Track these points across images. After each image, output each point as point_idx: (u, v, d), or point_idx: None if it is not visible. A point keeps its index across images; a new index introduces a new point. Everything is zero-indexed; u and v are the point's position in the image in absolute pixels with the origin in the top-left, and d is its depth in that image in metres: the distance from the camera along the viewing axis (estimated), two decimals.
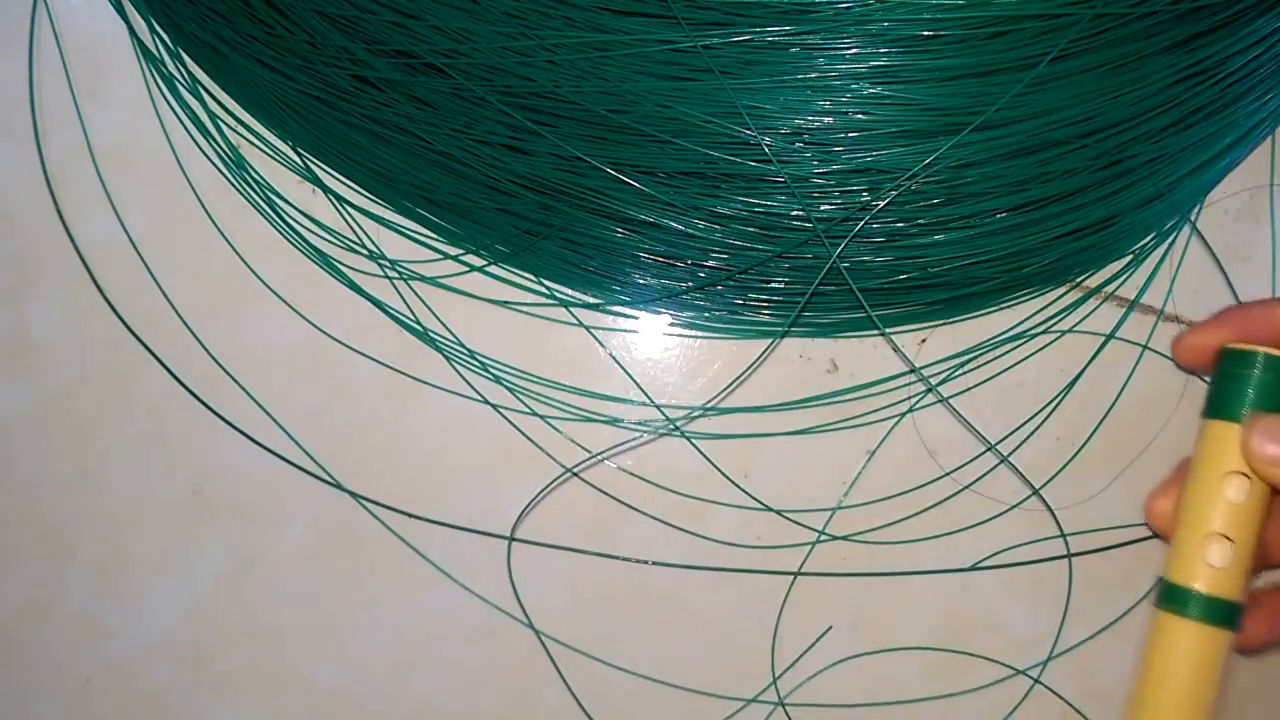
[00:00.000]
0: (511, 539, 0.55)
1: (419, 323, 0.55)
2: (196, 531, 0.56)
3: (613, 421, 0.55)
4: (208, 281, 0.55)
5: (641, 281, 0.54)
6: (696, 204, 0.50)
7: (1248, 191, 0.55)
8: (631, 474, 0.55)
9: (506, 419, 0.55)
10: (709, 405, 0.55)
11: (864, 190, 0.49)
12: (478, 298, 0.55)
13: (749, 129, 0.48)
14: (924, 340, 0.55)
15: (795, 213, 0.50)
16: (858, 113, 0.48)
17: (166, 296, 0.55)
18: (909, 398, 0.55)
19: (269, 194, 0.55)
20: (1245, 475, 0.42)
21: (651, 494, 0.55)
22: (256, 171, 0.55)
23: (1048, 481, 0.55)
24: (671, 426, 0.55)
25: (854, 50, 0.47)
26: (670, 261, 0.53)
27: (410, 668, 0.56)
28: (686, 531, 0.55)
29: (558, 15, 0.48)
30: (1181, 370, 0.55)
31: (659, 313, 0.55)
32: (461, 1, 0.49)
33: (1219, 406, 0.44)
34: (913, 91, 0.48)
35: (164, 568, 0.56)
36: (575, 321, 0.55)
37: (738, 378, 0.55)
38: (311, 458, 0.55)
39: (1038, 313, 0.55)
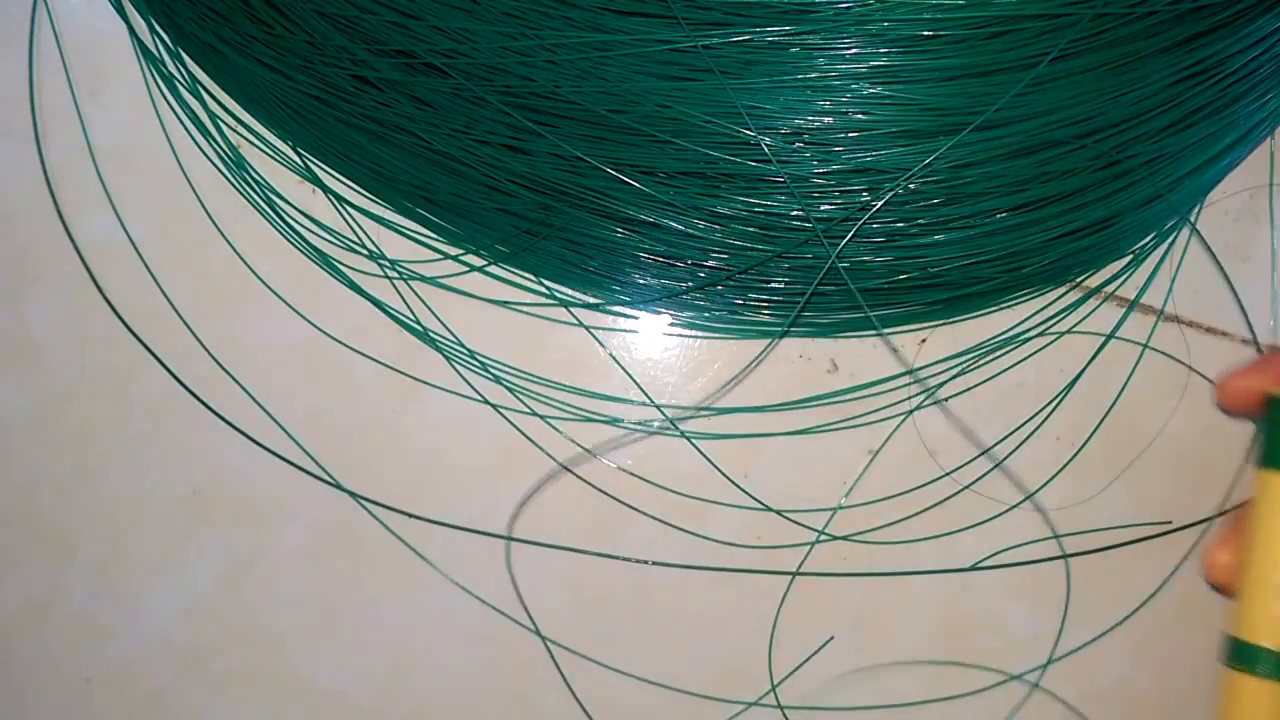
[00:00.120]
0: (509, 539, 0.55)
1: (419, 323, 0.55)
2: (196, 531, 0.56)
3: (613, 421, 0.55)
4: (208, 281, 0.55)
5: (641, 281, 0.54)
6: (696, 204, 0.50)
7: (1248, 191, 0.55)
8: (631, 474, 0.55)
9: (506, 419, 0.55)
10: (708, 405, 0.55)
11: (864, 190, 0.49)
12: (478, 298, 0.55)
13: (749, 129, 0.48)
14: (924, 340, 0.55)
15: (795, 213, 0.49)
16: (858, 113, 0.48)
17: (166, 296, 0.55)
18: (909, 398, 0.55)
19: (269, 194, 0.55)
20: None
21: (651, 494, 0.55)
22: (256, 171, 0.55)
23: (1043, 485, 0.55)
24: (671, 426, 0.55)
25: (854, 50, 0.47)
26: (670, 261, 0.53)
27: (410, 668, 0.56)
28: (686, 531, 0.55)
29: (558, 15, 0.48)
30: (1225, 414, 0.54)
31: (659, 313, 0.55)
32: (461, 1, 0.49)
33: (1276, 457, 0.42)
34: (913, 91, 0.48)
35: (164, 568, 0.56)
36: (575, 321, 0.55)
37: (735, 377, 0.55)
38: (312, 457, 0.55)
39: (1038, 313, 0.55)
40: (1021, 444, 0.55)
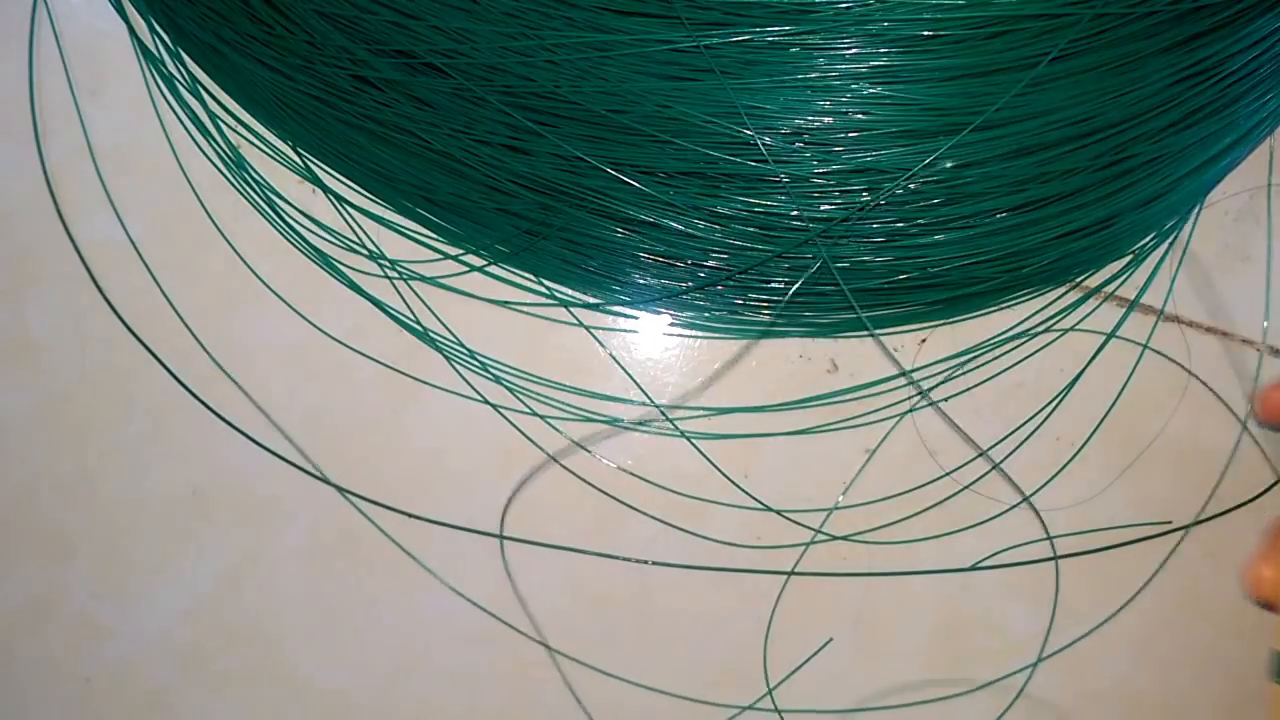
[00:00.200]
0: (504, 538, 0.55)
1: (419, 323, 0.55)
2: (196, 531, 0.56)
3: (613, 421, 0.55)
4: (208, 281, 0.55)
5: (641, 281, 0.54)
6: (696, 204, 0.50)
7: (1248, 192, 0.55)
8: (631, 474, 0.55)
9: (506, 419, 0.55)
10: (707, 404, 0.55)
11: (863, 190, 0.49)
12: (478, 298, 0.55)
13: (748, 129, 0.48)
14: (924, 340, 0.55)
15: (793, 213, 0.49)
16: (858, 113, 0.48)
17: (166, 297, 0.55)
18: (909, 398, 0.55)
19: (269, 194, 0.55)
20: None
21: (651, 494, 0.55)
22: (256, 171, 0.55)
23: (1043, 485, 0.55)
24: (671, 426, 0.55)
25: (854, 50, 0.47)
26: (670, 261, 0.53)
27: (410, 668, 0.56)
28: (686, 531, 0.55)
29: (558, 15, 0.48)
30: (1266, 428, 0.54)
31: (659, 313, 0.55)
32: (461, 1, 0.49)
33: None
34: (913, 91, 0.48)
35: (164, 568, 0.56)
36: (575, 321, 0.55)
37: (715, 372, 0.55)
38: (306, 456, 0.55)
39: (1038, 313, 0.55)
40: (1021, 444, 0.55)
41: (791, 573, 0.55)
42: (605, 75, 0.48)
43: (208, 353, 0.55)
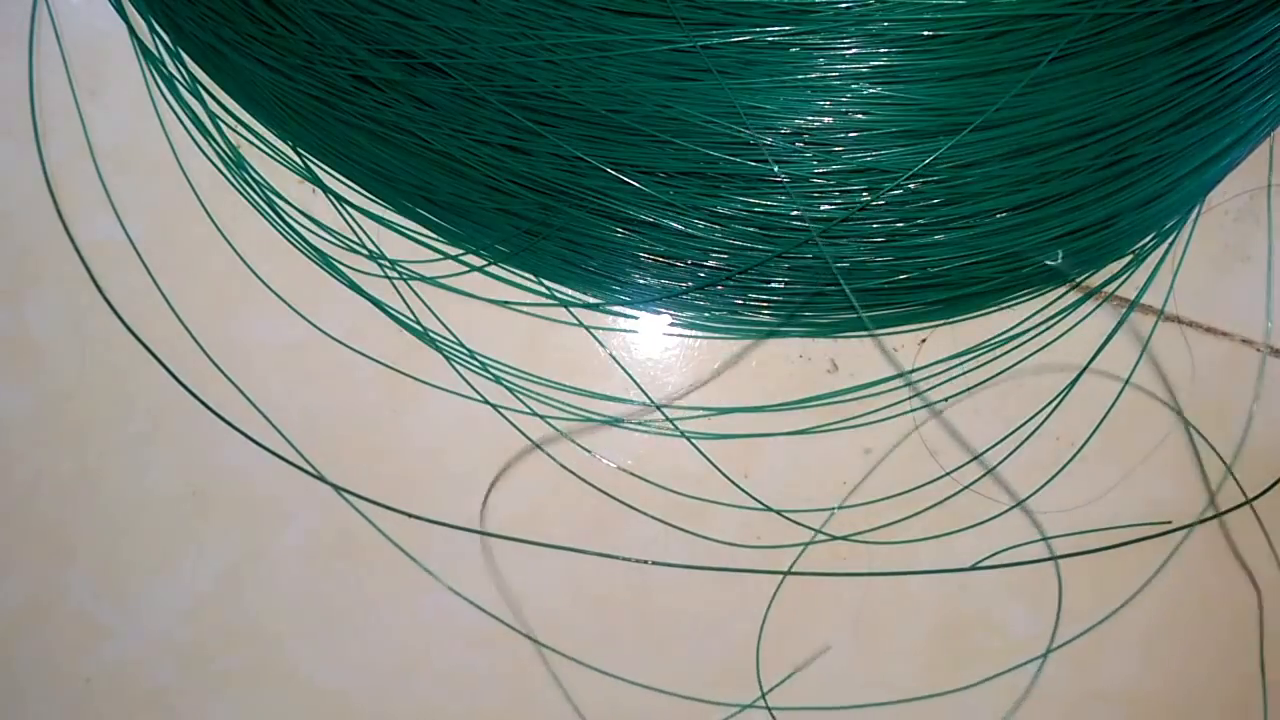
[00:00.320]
0: (484, 533, 0.55)
1: (419, 323, 0.55)
2: (196, 531, 0.56)
3: (613, 421, 0.55)
4: (208, 281, 0.55)
5: (641, 281, 0.54)
6: (696, 204, 0.50)
7: (1248, 192, 0.55)
8: (631, 474, 0.55)
9: (506, 419, 0.55)
10: (706, 404, 0.55)
11: (864, 190, 0.49)
12: (478, 298, 0.55)
13: (747, 129, 0.48)
14: (924, 340, 0.55)
15: (793, 213, 0.49)
16: (858, 113, 0.48)
17: (166, 297, 0.55)
18: (909, 398, 0.55)
19: (269, 194, 0.55)
20: None
21: (651, 494, 0.55)
22: (256, 171, 0.55)
23: (1043, 486, 0.55)
24: (671, 426, 0.55)
25: (854, 50, 0.47)
26: (670, 261, 0.53)
27: (410, 668, 0.56)
28: (686, 531, 0.55)
29: (558, 15, 0.48)
30: None
31: (659, 313, 0.55)
32: (461, 1, 0.49)
33: None
34: (913, 91, 0.47)
35: (164, 568, 0.56)
36: (575, 321, 0.55)
37: (714, 373, 0.55)
38: (303, 455, 0.55)
39: (1038, 313, 0.55)
40: (1021, 444, 0.55)
41: (788, 572, 0.55)
42: (605, 75, 0.48)
43: (206, 353, 0.55)
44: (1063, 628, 0.56)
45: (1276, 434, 0.56)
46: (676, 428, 0.55)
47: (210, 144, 0.55)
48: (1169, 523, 0.55)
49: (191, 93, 0.55)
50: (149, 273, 0.55)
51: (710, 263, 0.52)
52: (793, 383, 0.55)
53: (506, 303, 0.55)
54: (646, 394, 0.55)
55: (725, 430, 0.55)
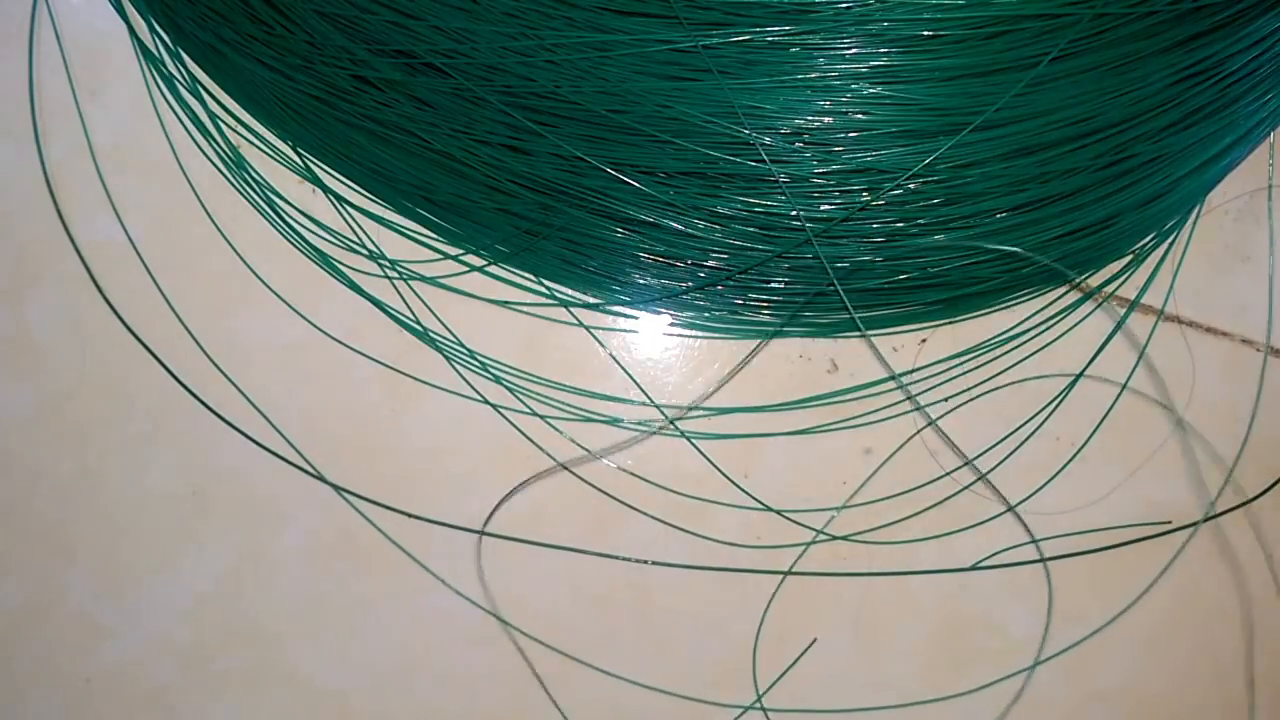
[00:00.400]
0: (484, 533, 0.55)
1: (419, 323, 0.55)
2: (196, 531, 0.56)
3: (613, 421, 0.55)
4: (208, 281, 0.55)
5: (641, 281, 0.54)
6: (696, 204, 0.50)
7: (1248, 193, 0.55)
8: (631, 474, 0.55)
9: (506, 419, 0.55)
10: (708, 405, 0.55)
11: (863, 190, 0.49)
12: (478, 298, 0.55)
13: (746, 129, 0.48)
14: (924, 340, 0.55)
15: (793, 213, 0.49)
16: (858, 113, 0.48)
17: (166, 297, 0.55)
18: (909, 398, 0.55)
19: (269, 194, 0.55)
20: None
21: (651, 494, 0.55)
22: (256, 171, 0.55)
23: (1042, 486, 0.55)
24: (671, 426, 0.55)
25: (854, 50, 0.47)
26: (670, 261, 0.53)
27: (410, 669, 0.56)
28: (686, 531, 0.55)
29: (558, 15, 0.48)
30: None
31: (659, 313, 0.55)
32: (461, 1, 0.49)
33: None
34: (913, 91, 0.47)
35: (164, 568, 0.56)
36: (575, 321, 0.55)
37: (714, 373, 0.55)
38: (301, 455, 0.55)
39: (1038, 313, 0.55)
40: (1021, 444, 0.55)
41: (788, 572, 0.55)
42: (605, 75, 0.48)
43: (206, 354, 0.55)
44: (1063, 629, 0.56)
45: (1276, 434, 0.56)
46: (676, 428, 0.55)
47: (210, 144, 0.55)
48: (1169, 523, 0.55)
49: (191, 93, 0.55)
50: (149, 273, 0.55)
51: (710, 263, 0.52)
52: (793, 383, 0.55)
53: (506, 303, 0.55)
54: (646, 394, 0.55)
55: (725, 430, 0.55)
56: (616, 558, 0.55)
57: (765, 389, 0.55)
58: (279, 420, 0.55)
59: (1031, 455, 0.55)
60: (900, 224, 0.50)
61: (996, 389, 0.55)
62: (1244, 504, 0.54)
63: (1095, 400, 0.55)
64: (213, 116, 0.55)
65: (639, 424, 0.55)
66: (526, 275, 0.55)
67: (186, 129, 0.55)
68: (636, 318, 0.55)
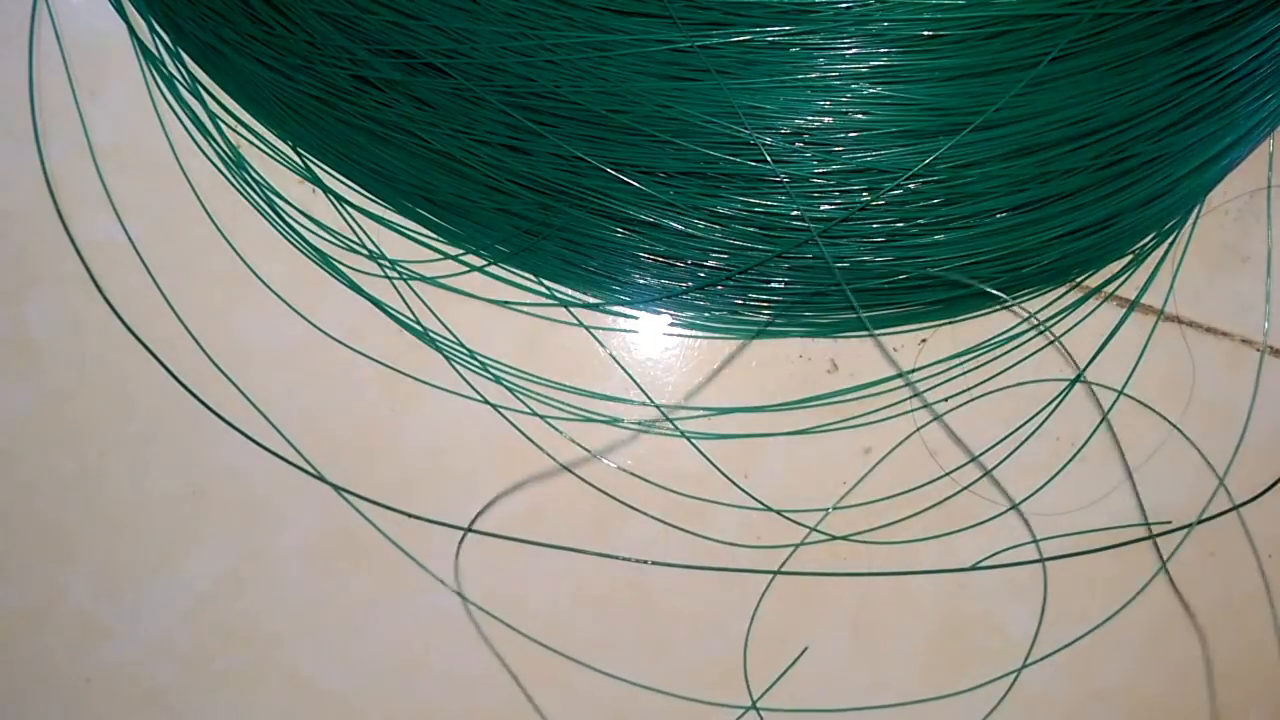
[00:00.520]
0: (468, 529, 0.55)
1: (419, 323, 0.55)
2: (196, 531, 0.56)
3: (612, 421, 0.55)
4: (208, 281, 0.55)
5: (641, 281, 0.54)
6: (696, 204, 0.50)
7: (1248, 193, 0.55)
8: (631, 474, 0.55)
9: (506, 419, 0.55)
10: (707, 404, 0.55)
11: (864, 190, 0.49)
12: (478, 298, 0.55)
13: (746, 129, 0.48)
14: (924, 340, 0.55)
15: (793, 213, 0.49)
16: (858, 113, 0.48)
17: (166, 297, 0.55)
18: (909, 398, 0.55)
19: (269, 194, 0.55)
20: None
21: (651, 494, 0.55)
22: (256, 171, 0.55)
23: (1042, 486, 0.55)
24: (672, 426, 0.55)
25: (854, 50, 0.47)
26: (670, 261, 0.53)
27: (409, 668, 0.56)
28: (686, 531, 0.55)
29: (558, 15, 0.48)
30: None
31: (659, 313, 0.55)
32: (461, 1, 0.49)
33: None
34: (913, 91, 0.47)
35: (164, 568, 0.56)
36: (575, 321, 0.55)
37: (714, 373, 0.55)
38: (301, 454, 0.55)
39: (1038, 313, 0.55)
40: (1021, 444, 0.55)
41: (777, 572, 0.55)
42: (605, 75, 0.48)
43: (206, 354, 0.55)
44: (1063, 629, 0.56)
45: (1276, 434, 0.56)
46: (676, 428, 0.55)
47: (210, 144, 0.55)
48: (1169, 523, 0.55)
49: (191, 93, 0.55)
50: (149, 273, 0.55)
51: (710, 263, 0.52)
52: (793, 383, 0.55)
53: (506, 303, 0.55)
54: (646, 394, 0.55)
55: (725, 430, 0.55)
56: (616, 558, 0.55)
57: (765, 389, 0.55)
58: (279, 420, 0.55)
59: (1031, 455, 0.55)
60: (900, 224, 0.50)
61: (998, 390, 0.55)
62: (1244, 504, 0.54)
63: (1094, 401, 0.55)
64: (213, 116, 0.55)
65: (639, 424, 0.55)
66: (526, 275, 0.55)
67: (186, 129, 0.55)
68: (636, 318, 0.55)
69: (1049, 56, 0.46)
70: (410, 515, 0.55)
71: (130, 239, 0.55)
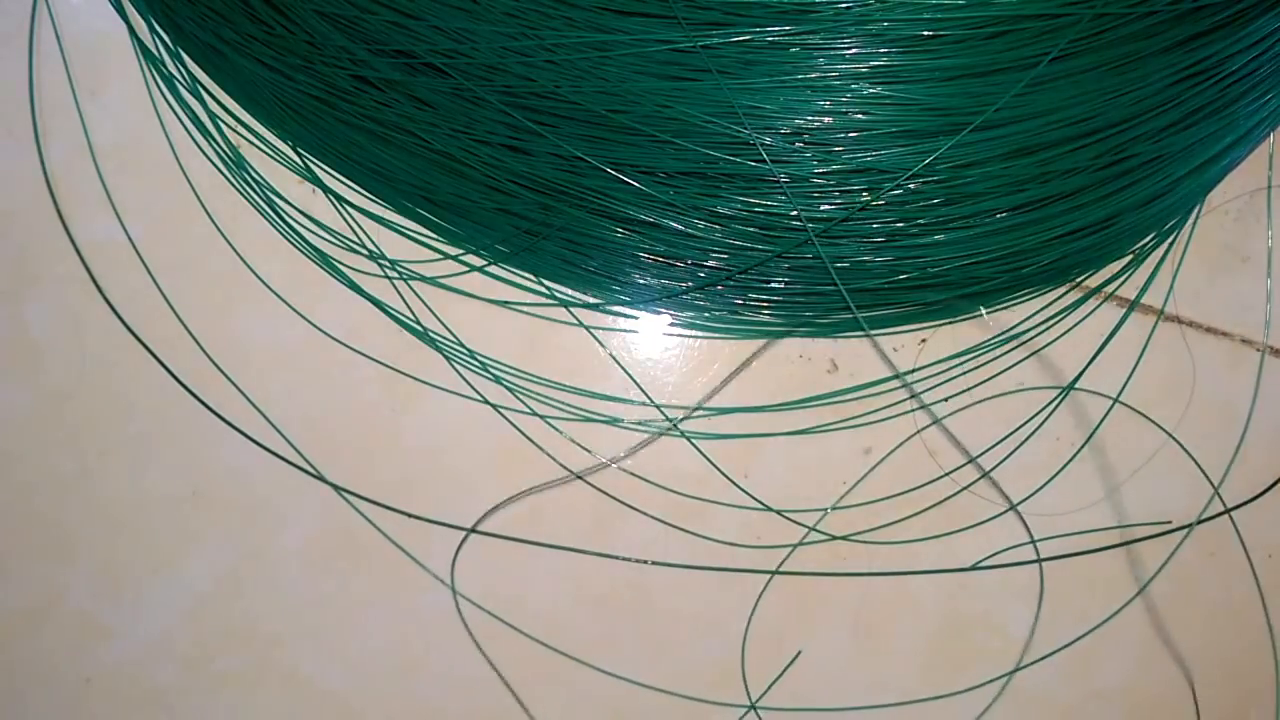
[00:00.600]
0: (484, 533, 0.55)
1: (419, 323, 0.55)
2: (196, 531, 0.56)
3: (613, 421, 0.55)
4: (208, 281, 0.55)
5: (641, 281, 0.54)
6: (696, 204, 0.50)
7: (1248, 193, 0.55)
8: (631, 474, 0.55)
9: (506, 419, 0.55)
10: (708, 405, 0.55)
11: (863, 190, 0.49)
12: (478, 298, 0.55)
13: (746, 129, 0.48)
14: (924, 340, 0.55)
15: (793, 213, 0.49)
16: (858, 113, 0.48)
17: (166, 297, 0.55)
18: (909, 398, 0.55)
19: (269, 194, 0.55)
20: None
21: (651, 494, 0.55)
22: (256, 171, 0.55)
23: (1042, 486, 0.55)
24: (671, 426, 0.55)
25: (854, 50, 0.47)
26: (670, 261, 0.53)
27: (410, 668, 0.56)
28: (686, 531, 0.55)
29: (558, 15, 0.48)
30: None
31: (659, 313, 0.55)
32: (461, 1, 0.49)
33: None
34: (913, 91, 0.47)
35: (164, 568, 0.56)
36: (575, 321, 0.55)
37: (714, 373, 0.55)
38: (300, 454, 0.55)
39: (1038, 313, 0.55)
40: (1021, 445, 0.55)
41: (776, 571, 0.55)
42: (605, 75, 0.48)
43: (206, 354, 0.55)
44: (1063, 629, 0.56)
45: (1276, 434, 0.56)
46: (677, 428, 0.55)
47: (210, 144, 0.55)
48: (1168, 522, 0.55)
49: (191, 93, 0.55)
50: (149, 273, 0.55)
51: (710, 263, 0.52)
52: (793, 383, 0.55)
53: (506, 303, 0.55)
54: (646, 394, 0.55)
55: (725, 430, 0.55)
56: (616, 558, 0.55)
57: (765, 389, 0.55)
58: (279, 420, 0.55)
59: (1031, 455, 0.55)
60: (900, 224, 0.50)
61: (996, 389, 0.55)
62: (1238, 506, 0.54)
63: (1095, 400, 0.55)
64: (213, 116, 0.55)
65: (639, 424, 0.55)
66: (526, 275, 0.55)
67: (186, 129, 0.55)
68: (636, 318, 0.55)
69: (1049, 56, 0.46)
70: (410, 515, 0.55)
71: (130, 239, 0.55)
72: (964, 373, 0.55)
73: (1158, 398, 0.55)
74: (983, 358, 0.55)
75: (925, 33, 0.47)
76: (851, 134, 0.48)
